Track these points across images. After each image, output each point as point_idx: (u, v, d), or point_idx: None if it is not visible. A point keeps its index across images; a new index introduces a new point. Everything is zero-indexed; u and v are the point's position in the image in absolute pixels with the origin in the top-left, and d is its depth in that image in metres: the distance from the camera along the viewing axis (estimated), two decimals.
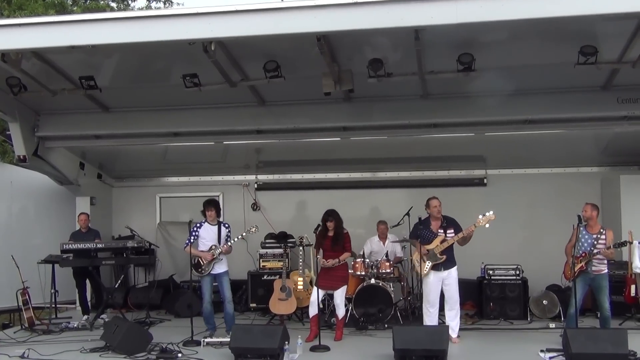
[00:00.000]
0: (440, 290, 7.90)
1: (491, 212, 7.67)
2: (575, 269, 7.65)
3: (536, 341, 7.63)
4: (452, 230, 7.87)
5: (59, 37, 6.57)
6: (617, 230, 8.83)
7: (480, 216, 7.69)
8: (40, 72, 8.05)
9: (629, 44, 7.03)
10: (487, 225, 7.66)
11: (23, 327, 9.06)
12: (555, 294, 9.35)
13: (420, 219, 8.80)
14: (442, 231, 7.90)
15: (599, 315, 7.93)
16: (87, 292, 10.25)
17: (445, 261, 7.80)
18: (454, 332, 7.83)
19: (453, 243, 7.82)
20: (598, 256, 7.57)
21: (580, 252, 7.70)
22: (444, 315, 7.98)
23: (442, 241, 7.82)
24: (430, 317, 7.88)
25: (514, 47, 7.32)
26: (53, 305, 9.96)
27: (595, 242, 7.63)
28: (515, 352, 7.20)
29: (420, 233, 7.97)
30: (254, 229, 8.62)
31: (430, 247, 7.85)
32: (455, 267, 7.92)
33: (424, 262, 7.83)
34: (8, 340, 8.25)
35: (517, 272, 9.49)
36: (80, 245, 9.50)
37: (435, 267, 7.82)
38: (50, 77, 8.25)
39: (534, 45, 7.28)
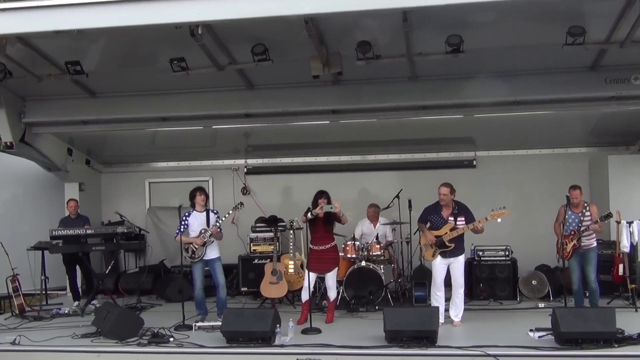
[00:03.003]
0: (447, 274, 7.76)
1: (504, 207, 7.47)
2: (569, 249, 7.75)
3: (525, 321, 7.67)
4: (463, 219, 7.67)
5: (44, 22, 6.49)
6: (605, 210, 8.88)
7: (492, 210, 7.50)
8: (25, 57, 7.96)
9: (617, 24, 7.04)
10: (499, 220, 7.48)
11: (14, 314, 9.04)
12: (545, 274, 9.42)
13: (410, 201, 8.82)
14: (452, 218, 7.69)
15: (587, 292, 8.05)
16: (78, 278, 10.20)
17: (454, 249, 7.65)
18: (457, 316, 7.77)
19: (463, 232, 7.65)
20: (586, 232, 7.75)
21: (569, 231, 7.86)
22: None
23: (452, 229, 7.62)
24: (438, 301, 7.71)
25: (502, 28, 7.29)
26: (43, 292, 9.96)
27: (582, 218, 7.83)
28: (504, 332, 7.22)
29: (430, 218, 7.85)
30: (240, 205, 8.62)
31: (438, 234, 7.70)
32: (463, 255, 7.80)
33: (432, 248, 7.75)
34: None
35: (507, 253, 9.53)
36: (70, 232, 9.44)
37: (443, 254, 7.70)
38: (36, 63, 8.16)
39: (522, 26, 7.26)
